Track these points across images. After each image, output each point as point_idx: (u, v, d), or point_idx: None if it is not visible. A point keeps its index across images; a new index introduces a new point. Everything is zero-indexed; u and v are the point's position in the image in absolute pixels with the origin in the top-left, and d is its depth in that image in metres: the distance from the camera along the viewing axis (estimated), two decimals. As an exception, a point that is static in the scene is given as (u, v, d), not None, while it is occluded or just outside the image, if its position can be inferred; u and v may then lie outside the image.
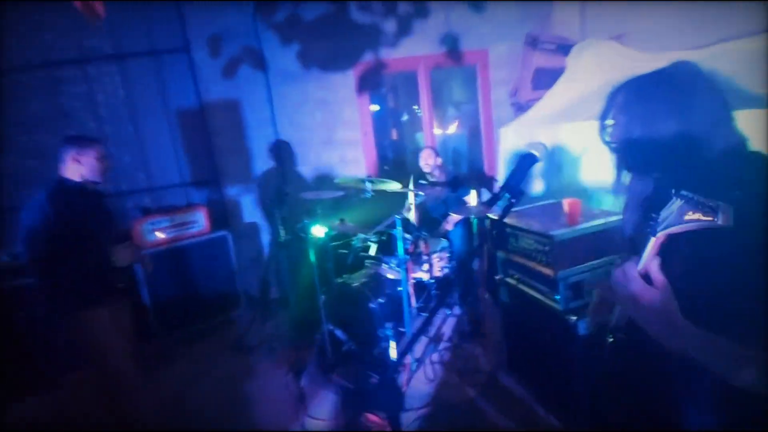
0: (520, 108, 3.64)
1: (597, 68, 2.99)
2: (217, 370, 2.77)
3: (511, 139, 3.19)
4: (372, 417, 2.08)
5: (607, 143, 0.98)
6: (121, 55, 3.48)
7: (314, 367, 2.53)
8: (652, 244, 0.73)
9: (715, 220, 0.62)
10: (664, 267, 0.73)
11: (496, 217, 2.20)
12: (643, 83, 0.97)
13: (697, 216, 0.65)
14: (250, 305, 3.50)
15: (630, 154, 0.94)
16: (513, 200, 1.02)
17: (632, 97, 0.97)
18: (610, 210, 2.02)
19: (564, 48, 3.30)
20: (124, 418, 1.89)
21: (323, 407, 2.27)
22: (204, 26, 3.50)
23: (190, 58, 3.52)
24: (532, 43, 3.41)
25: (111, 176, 3.58)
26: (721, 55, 2.00)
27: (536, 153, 1.08)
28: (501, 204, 1.05)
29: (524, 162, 1.05)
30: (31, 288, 2.69)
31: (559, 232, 1.78)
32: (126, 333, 1.95)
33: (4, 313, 2.70)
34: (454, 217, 2.88)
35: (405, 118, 4.34)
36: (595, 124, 1.03)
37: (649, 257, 0.73)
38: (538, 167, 1.20)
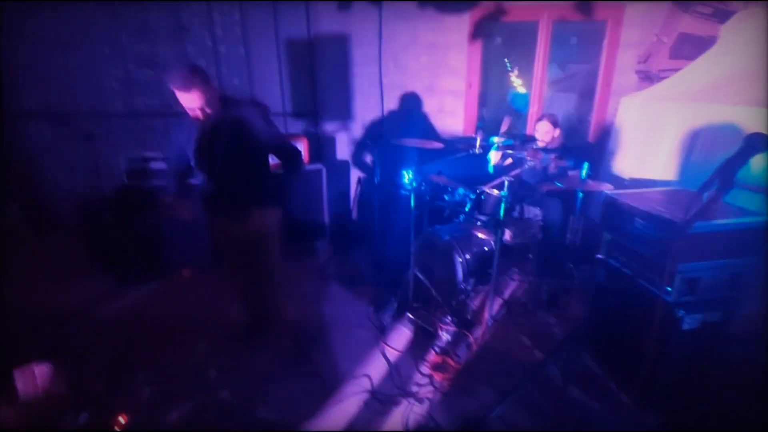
0: (648, 77, 3.28)
1: (759, 44, 2.58)
2: (302, 290, 3.07)
3: (634, 113, 2.93)
4: (435, 357, 2.27)
5: None
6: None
7: (395, 304, 2.71)
8: None
9: None
10: None
11: (612, 194, 2.12)
12: None
13: None
14: (333, 237, 3.75)
15: None
16: (722, 191, 0.97)
17: None
18: (750, 210, 1.86)
19: (722, 14, 2.85)
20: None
21: (400, 340, 2.48)
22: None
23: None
24: (683, 3, 2.97)
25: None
26: None
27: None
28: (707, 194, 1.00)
29: (751, 147, 0.96)
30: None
31: (692, 223, 1.69)
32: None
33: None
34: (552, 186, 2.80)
35: (515, 74, 4.08)
36: (749, 110, 0.92)
37: None
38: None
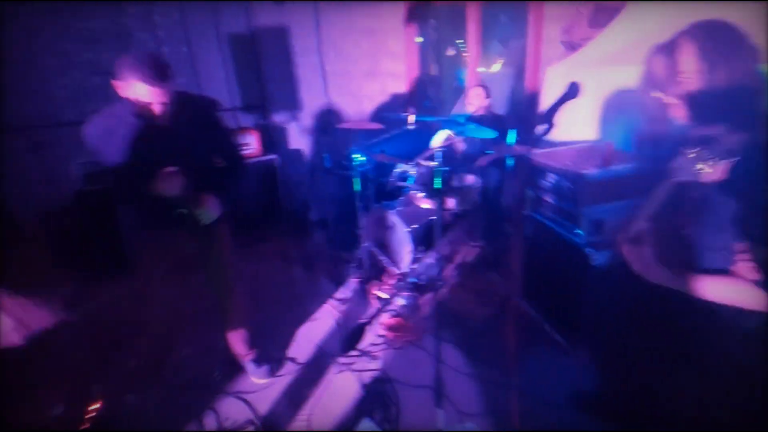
0: (572, 47, 3.51)
1: (661, 7, 2.83)
2: (264, 275, 3.21)
3: (558, 80, 3.15)
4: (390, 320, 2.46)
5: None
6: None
7: (352, 277, 2.89)
8: None
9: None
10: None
11: (531, 157, 2.34)
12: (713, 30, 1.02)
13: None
14: (291, 223, 3.88)
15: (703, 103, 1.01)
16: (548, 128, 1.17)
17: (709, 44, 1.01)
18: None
19: (630, -18, 3.08)
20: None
21: (357, 309, 2.66)
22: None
23: (243, -20, 3.55)
24: (595, -26, 3.20)
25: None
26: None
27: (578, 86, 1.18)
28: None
29: (566, 94, 1.17)
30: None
31: (589, 172, 1.92)
32: None
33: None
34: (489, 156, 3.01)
35: (452, 53, 4.26)
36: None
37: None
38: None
